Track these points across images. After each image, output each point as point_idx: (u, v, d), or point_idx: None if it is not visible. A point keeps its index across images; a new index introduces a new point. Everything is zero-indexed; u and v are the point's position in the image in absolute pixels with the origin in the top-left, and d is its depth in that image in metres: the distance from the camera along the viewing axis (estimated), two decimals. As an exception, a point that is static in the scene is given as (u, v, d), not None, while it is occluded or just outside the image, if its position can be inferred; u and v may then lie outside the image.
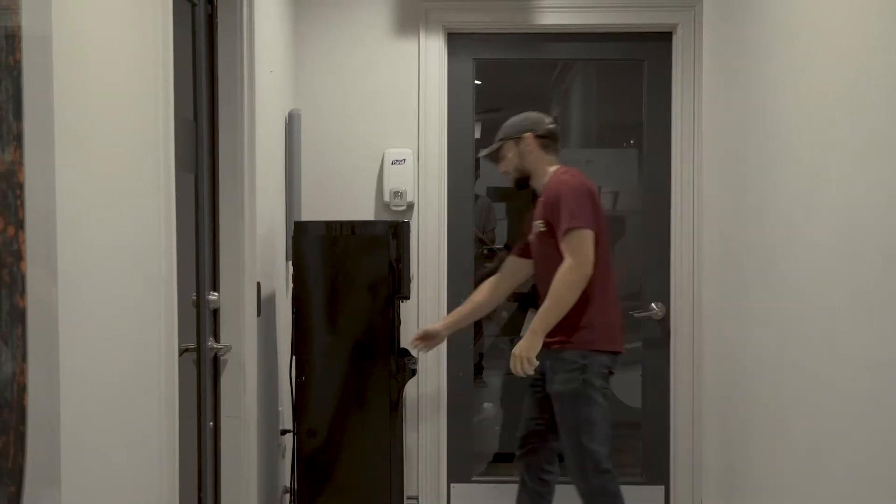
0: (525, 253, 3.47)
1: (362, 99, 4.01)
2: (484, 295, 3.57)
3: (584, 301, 3.16)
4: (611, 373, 3.26)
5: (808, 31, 2.58)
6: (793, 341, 2.62)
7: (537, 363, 3.16)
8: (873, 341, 2.10)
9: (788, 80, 2.72)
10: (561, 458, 3.34)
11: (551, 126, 3.38)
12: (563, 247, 3.15)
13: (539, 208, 3.31)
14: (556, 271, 3.14)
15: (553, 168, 3.32)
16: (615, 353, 3.27)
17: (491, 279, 3.59)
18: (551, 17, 4.00)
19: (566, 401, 3.20)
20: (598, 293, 3.20)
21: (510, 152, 3.36)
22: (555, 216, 3.19)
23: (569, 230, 3.13)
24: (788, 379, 2.67)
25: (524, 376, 3.21)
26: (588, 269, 3.12)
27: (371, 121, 4.01)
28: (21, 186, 1.25)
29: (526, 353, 3.14)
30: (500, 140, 3.40)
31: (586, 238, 3.12)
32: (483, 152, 3.57)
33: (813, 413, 2.47)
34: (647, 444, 4.15)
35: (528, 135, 3.33)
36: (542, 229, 3.26)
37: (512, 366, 3.18)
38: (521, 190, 3.45)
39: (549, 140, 3.35)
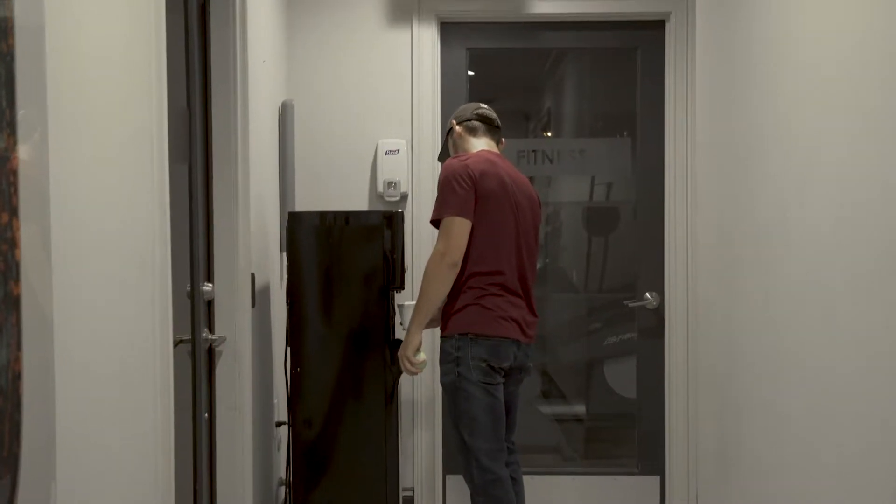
0: None
1: (356, 89, 4.00)
2: None
3: (459, 285, 3.09)
4: (492, 368, 3.05)
5: (802, 16, 2.57)
6: (790, 328, 2.63)
7: (422, 358, 3.14)
8: (871, 326, 2.10)
9: (782, 65, 2.71)
10: (510, 450, 3.25)
11: (479, 111, 3.32)
12: None
13: None
14: None
15: (477, 150, 3.25)
16: (496, 343, 3.06)
17: None
18: (544, 6, 3.99)
19: (447, 393, 3.13)
20: (480, 277, 3.08)
21: (449, 144, 3.38)
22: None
23: (434, 220, 3.12)
24: (785, 366, 2.67)
25: (416, 374, 3.20)
26: (452, 257, 3.03)
27: (364, 111, 4.00)
28: (15, 173, 1.24)
29: (402, 352, 3.14)
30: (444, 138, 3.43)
31: (449, 226, 3.04)
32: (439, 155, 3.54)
33: (810, 401, 2.47)
34: (641, 434, 4.16)
35: (453, 123, 3.34)
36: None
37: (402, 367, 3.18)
38: None
39: (477, 123, 3.29)
